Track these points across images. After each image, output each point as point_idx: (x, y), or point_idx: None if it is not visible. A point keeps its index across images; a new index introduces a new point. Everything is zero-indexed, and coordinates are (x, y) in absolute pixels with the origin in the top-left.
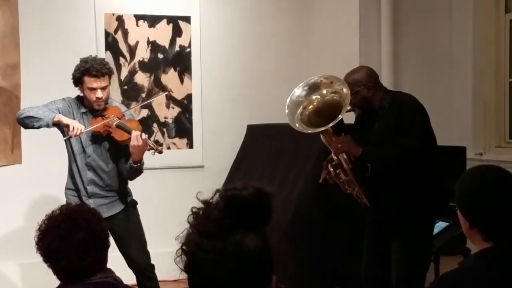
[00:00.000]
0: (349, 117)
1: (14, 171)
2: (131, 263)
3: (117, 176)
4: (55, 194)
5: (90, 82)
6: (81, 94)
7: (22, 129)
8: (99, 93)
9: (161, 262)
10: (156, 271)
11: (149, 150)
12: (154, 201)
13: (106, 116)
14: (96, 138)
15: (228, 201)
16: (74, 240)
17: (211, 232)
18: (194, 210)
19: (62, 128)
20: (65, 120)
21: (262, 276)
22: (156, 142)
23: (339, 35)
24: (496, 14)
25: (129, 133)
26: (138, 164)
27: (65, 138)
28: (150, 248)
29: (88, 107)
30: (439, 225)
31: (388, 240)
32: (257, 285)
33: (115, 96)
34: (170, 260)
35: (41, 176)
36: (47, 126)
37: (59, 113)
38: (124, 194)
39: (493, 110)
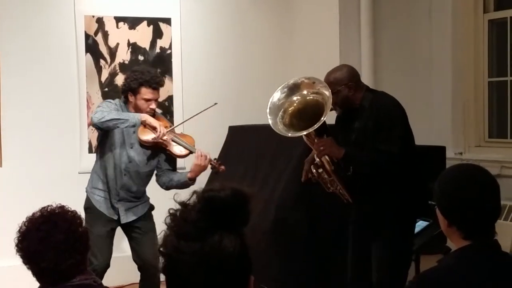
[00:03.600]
0: (330, 117)
1: None
2: (143, 263)
3: (147, 184)
4: (35, 197)
5: (147, 93)
6: (114, 99)
7: (1, 131)
8: (153, 105)
9: None
10: (134, 274)
11: (211, 168)
12: None
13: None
14: (143, 146)
15: (205, 202)
16: (54, 242)
17: (188, 234)
18: (171, 211)
19: (108, 130)
20: (153, 121)
21: (240, 277)
22: None
23: (319, 36)
24: (474, 14)
25: (188, 149)
26: (193, 181)
27: (151, 139)
28: (129, 251)
29: None
30: (419, 224)
31: (370, 238)
32: (235, 286)
33: (96, 98)
34: None
35: (21, 180)
36: (134, 126)
37: None
38: (146, 198)
39: (472, 109)
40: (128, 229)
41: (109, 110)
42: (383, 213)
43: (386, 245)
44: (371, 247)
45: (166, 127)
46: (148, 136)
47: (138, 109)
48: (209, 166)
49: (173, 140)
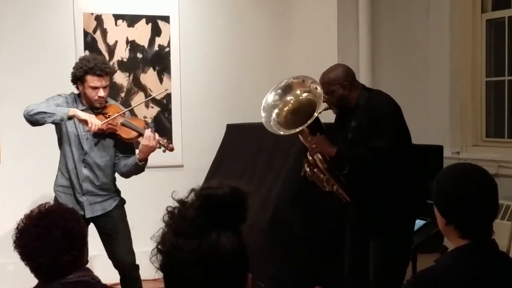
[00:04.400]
0: (330, 116)
1: None
2: (117, 262)
3: (111, 175)
4: (34, 193)
5: (93, 81)
6: (76, 92)
7: (1, 128)
8: (101, 92)
9: (138, 261)
10: None
11: (159, 148)
12: (133, 201)
13: (108, 114)
14: (96, 135)
15: (203, 200)
16: (51, 238)
17: (186, 231)
18: (169, 209)
19: (61, 124)
20: (82, 115)
21: (238, 274)
22: None
23: (317, 34)
24: (472, 14)
25: (137, 131)
26: (143, 162)
27: (84, 132)
28: None
29: (86, 104)
30: (417, 223)
31: (367, 237)
32: (233, 283)
33: None
34: (147, 259)
35: (21, 176)
36: (61, 120)
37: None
38: (115, 192)
39: (470, 109)
40: (98, 228)
41: (47, 105)
42: (381, 212)
43: (383, 244)
44: (368, 246)
45: (118, 112)
46: (105, 120)
47: (87, 98)
48: (159, 147)
49: (123, 124)
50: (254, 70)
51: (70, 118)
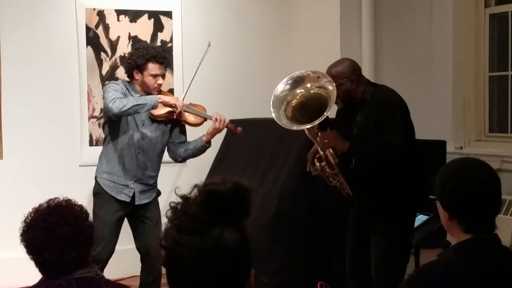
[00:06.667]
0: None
1: None
2: (148, 253)
3: (159, 164)
4: (36, 190)
5: (154, 68)
6: (127, 79)
7: (2, 124)
8: (160, 80)
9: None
10: (135, 266)
11: (227, 129)
12: None
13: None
14: (152, 121)
15: (206, 196)
16: (59, 234)
17: (189, 227)
18: (172, 205)
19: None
20: (169, 99)
21: (241, 270)
22: None
23: (320, 30)
24: (476, 8)
25: (202, 116)
26: (209, 143)
27: (165, 113)
28: (130, 243)
29: (141, 92)
30: (419, 218)
31: (369, 232)
32: (236, 279)
33: (97, 91)
34: None
35: (22, 172)
36: (153, 108)
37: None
38: (156, 183)
39: (473, 104)
40: (134, 217)
41: (121, 96)
42: (383, 207)
43: (385, 239)
44: (370, 241)
45: (173, 98)
46: (160, 110)
47: (145, 86)
48: (226, 129)
49: (185, 111)
50: (257, 66)
51: (161, 103)
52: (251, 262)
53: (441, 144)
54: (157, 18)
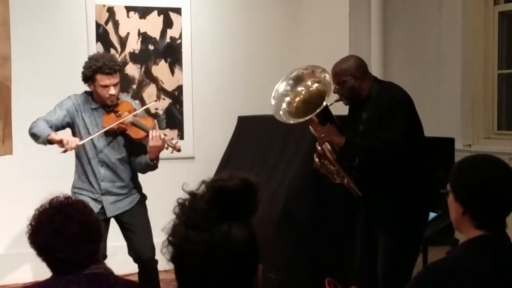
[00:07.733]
0: (343, 109)
1: (5, 162)
2: (136, 256)
3: (130, 171)
4: (46, 185)
5: (103, 79)
6: (89, 90)
7: (13, 119)
8: (112, 90)
9: None
10: None
11: (167, 148)
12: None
13: (119, 112)
14: (108, 133)
15: (214, 192)
16: (69, 233)
17: (197, 223)
18: (180, 201)
19: (73, 125)
20: (56, 137)
21: (248, 266)
22: None
23: (329, 27)
24: (485, 6)
25: (145, 131)
26: (154, 162)
27: (60, 152)
28: None
29: (98, 102)
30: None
31: (377, 230)
32: (243, 275)
33: None
34: (158, 250)
35: (32, 167)
36: (44, 143)
37: (67, 114)
38: (135, 189)
39: (481, 101)
40: (120, 226)
41: (46, 118)
42: (391, 205)
43: (393, 237)
44: (378, 239)
45: (129, 110)
46: (110, 123)
47: (99, 97)
48: (166, 147)
49: (132, 124)
50: (266, 63)
51: (49, 141)
52: (259, 258)
53: (450, 142)
54: (167, 14)
